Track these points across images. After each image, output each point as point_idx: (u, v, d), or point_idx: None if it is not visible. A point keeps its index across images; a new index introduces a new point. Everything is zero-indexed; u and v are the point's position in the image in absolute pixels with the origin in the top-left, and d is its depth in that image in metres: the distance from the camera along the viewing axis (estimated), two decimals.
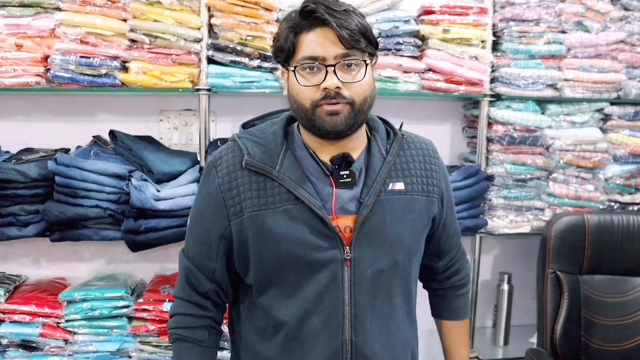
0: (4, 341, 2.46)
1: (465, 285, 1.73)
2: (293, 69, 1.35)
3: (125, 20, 2.37)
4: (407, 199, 1.43)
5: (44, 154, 2.54)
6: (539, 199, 2.68)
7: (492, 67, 2.57)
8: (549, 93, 2.60)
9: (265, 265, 1.39)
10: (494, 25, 2.56)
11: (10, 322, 2.46)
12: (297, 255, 1.36)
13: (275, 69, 2.44)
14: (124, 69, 2.42)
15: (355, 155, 1.42)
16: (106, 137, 2.58)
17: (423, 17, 2.50)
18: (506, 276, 2.79)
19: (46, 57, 2.38)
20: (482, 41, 2.54)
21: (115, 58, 2.38)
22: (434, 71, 2.51)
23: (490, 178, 2.62)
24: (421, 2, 2.51)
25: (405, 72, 2.49)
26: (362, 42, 1.33)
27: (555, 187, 2.66)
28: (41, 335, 2.45)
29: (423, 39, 2.52)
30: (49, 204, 2.35)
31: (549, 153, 2.65)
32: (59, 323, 2.47)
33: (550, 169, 2.66)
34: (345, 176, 1.39)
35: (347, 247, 1.36)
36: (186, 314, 1.49)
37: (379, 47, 2.41)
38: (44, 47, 2.37)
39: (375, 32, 2.38)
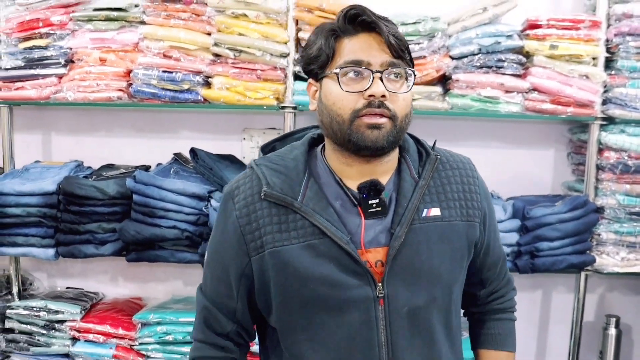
0: None
1: (509, 310, 1.51)
2: (335, 71, 1.22)
3: (209, 33, 2.34)
4: (444, 226, 1.29)
5: (124, 171, 2.54)
6: None
7: (605, 87, 2.39)
8: None
9: (290, 307, 1.27)
10: (607, 40, 2.39)
11: (85, 341, 2.47)
12: (325, 295, 1.23)
13: None
14: (207, 84, 2.38)
15: (384, 180, 1.29)
16: (187, 154, 2.54)
17: (528, 31, 2.36)
18: (614, 319, 2.57)
19: (129, 72, 2.38)
20: (594, 58, 2.37)
21: (198, 73, 2.35)
22: (539, 91, 2.36)
23: (599, 210, 2.43)
24: (526, 15, 2.38)
25: (507, 91, 2.34)
26: (407, 54, 1.24)
27: None
28: (114, 357, 2.45)
29: (527, 55, 2.37)
30: (125, 223, 2.33)
31: None
32: (133, 345, 2.46)
33: None
34: (374, 205, 1.25)
35: (380, 284, 1.23)
36: (207, 357, 1.36)
37: (479, 64, 2.27)
38: (127, 61, 2.38)
39: (474, 47, 2.29)
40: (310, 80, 1.31)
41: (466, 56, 2.33)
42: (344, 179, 1.28)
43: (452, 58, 2.34)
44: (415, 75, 1.25)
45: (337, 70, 1.22)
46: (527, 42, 2.33)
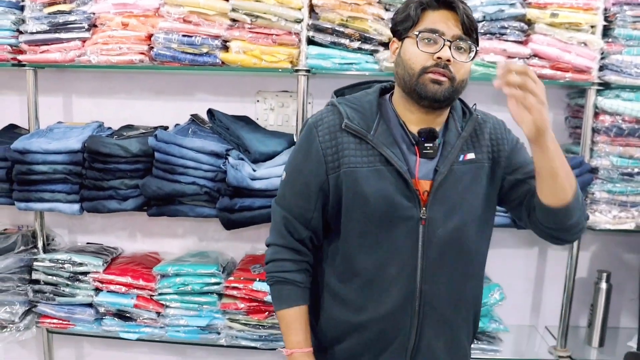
0: (101, 309, 2.59)
1: None
2: (416, 33, 1.51)
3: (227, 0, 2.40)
4: (477, 167, 1.60)
5: (144, 131, 2.63)
6: None
7: (602, 54, 2.44)
8: None
9: (353, 217, 1.57)
10: (605, 9, 2.43)
11: (108, 291, 2.58)
12: (382, 210, 1.53)
13: (376, 51, 2.42)
14: (225, 48, 2.46)
15: (438, 129, 1.59)
16: (204, 115, 2.63)
17: (530, 0, 2.41)
18: (605, 274, 2.66)
19: (150, 36, 2.46)
20: (592, 26, 2.42)
21: (216, 37, 2.42)
22: (540, 57, 2.41)
23: (594, 171, 2.50)
24: None
25: (509, 57, 2.40)
26: (474, 34, 1.53)
27: None
28: (135, 306, 2.56)
29: (529, 23, 2.43)
30: (147, 179, 2.42)
31: None
32: (153, 296, 2.57)
33: None
34: (428, 148, 1.56)
35: (424, 208, 1.54)
36: (286, 259, 1.66)
37: (484, 31, 2.37)
38: (149, 26, 2.45)
39: (479, 15, 2.36)
40: (394, 38, 1.61)
41: None
42: (406, 122, 1.58)
43: None
44: (477, 52, 1.53)
45: (417, 33, 1.51)
46: (529, 10, 2.38)
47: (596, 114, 2.49)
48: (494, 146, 1.64)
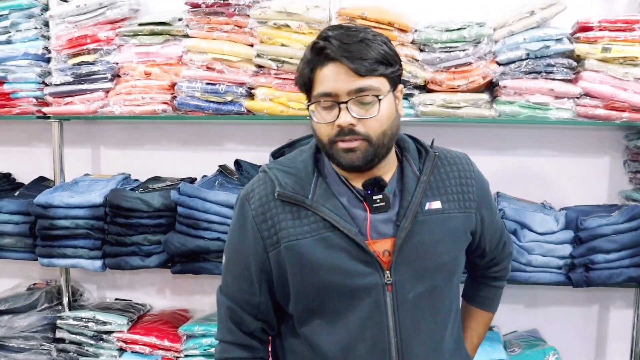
0: None
1: (501, 278, 1.73)
2: (310, 105, 1.35)
3: (251, 45, 2.37)
4: (445, 218, 1.41)
5: (170, 183, 2.59)
6: None
7: None
8: None
9: (306, 295, 1.38)
10: None
11: (132, 352, 2.54)
12: (337, 282, 1.35)
13: (411, 95, 2.32)
14: (250, 95, 2.41)
15: (386, 178, 1.40)
16: (232, 166, 2.57)
17: (578, 34, 2.28)
18: None
19: (173, 85, 2.43)
20: None
21: (241, 84, 2.38)
22: (591, 96, 2.26)
23: None
24: (576, 18, 2.30)
25: (557, 97, 2.27)
26: (379, 71, 1.30)
27: None
28: None
29: (578, 59, 2.30)
30: (170, 235, 2.36)
31: None
32: (179, 357, 2.50)
33: None
34: (378, 200, 1.37)
35: (387, 272, 1.35)
36: (234, 357, 1.45)
37: (528, 70, 2.20)
38: (172, 74, 2.43)
39: (522, 52, 2.24)
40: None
41: (514, 62, 2.27)
42: (348, 179, 1.39)
43: (499, 64, 2.29)
44: (380, 99, 1.29)
45: (312, 105, 1.34)
46: (578, 46, 2.25)
47: None
48: (463, 192, 1.46)
